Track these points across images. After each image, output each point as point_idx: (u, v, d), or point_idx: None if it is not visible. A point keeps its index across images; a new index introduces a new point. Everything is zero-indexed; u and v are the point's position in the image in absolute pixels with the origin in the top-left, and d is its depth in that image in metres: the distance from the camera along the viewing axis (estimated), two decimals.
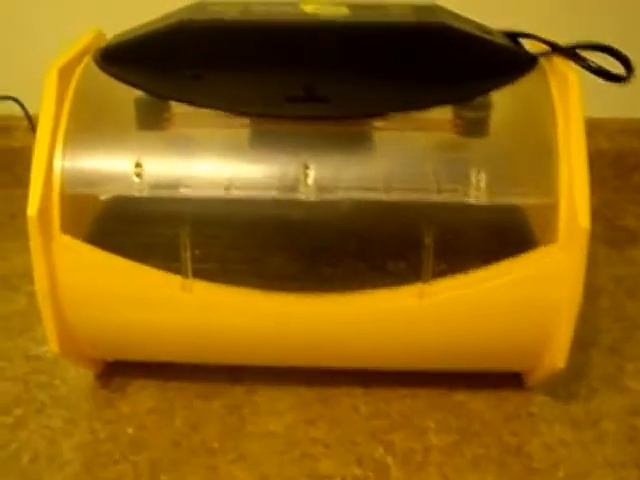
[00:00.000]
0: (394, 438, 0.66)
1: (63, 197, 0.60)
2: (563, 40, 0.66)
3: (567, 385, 0.71)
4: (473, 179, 0.60)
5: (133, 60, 0.63)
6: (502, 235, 0.66)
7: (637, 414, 0.68)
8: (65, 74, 0.63)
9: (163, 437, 0.66)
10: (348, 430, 0.66)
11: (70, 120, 0.61)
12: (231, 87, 0.62)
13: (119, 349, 0.67)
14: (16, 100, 0.94)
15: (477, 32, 0.64)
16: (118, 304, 0.62)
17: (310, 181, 0.60)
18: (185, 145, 0.63)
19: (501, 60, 0.63)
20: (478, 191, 0.60)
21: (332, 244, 0.66)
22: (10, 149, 1.04)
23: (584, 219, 0.57)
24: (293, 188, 0.60)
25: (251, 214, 0.63)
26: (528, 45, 0.68)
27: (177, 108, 0.64)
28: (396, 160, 0.62)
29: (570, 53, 0.63)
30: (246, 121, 0.63)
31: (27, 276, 0.64)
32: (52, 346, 0.64)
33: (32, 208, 0.59)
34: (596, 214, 0.58)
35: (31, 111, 0.94)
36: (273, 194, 0.60)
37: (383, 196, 0.60)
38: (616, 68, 0.64)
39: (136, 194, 0.60)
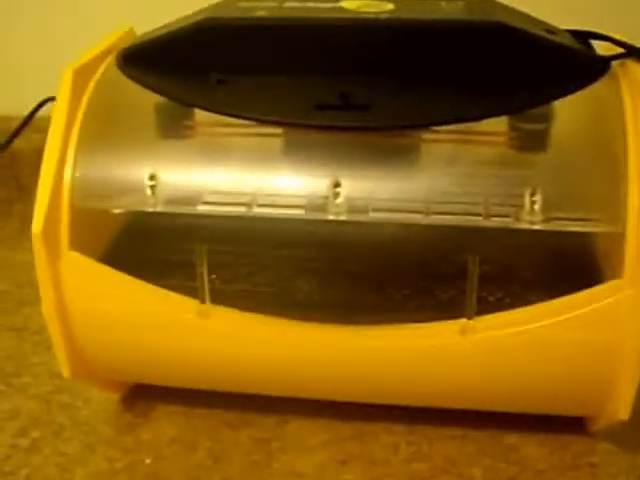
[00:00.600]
0: None
1: (73, 211, 0.55)
2: None
3: (637, 431, 0.62)
4: (527, 201, 0.52)
5: (154, 62, 0.58)
6: (561, 267, 0.58)
7: None
8: (82, 76, 0.58)
9: (182, 471, 0.61)
10: (384, 473, 0.60)
11: (84, 127, 0.56)
12: (258, 93, 0.56)
13: (134, 373, 0.63)
14: None
15: (538, 32, 0.56)
16: (130, 328, 0.57)
17: (340, 200, 0.53)
18: (206, 156, 0.57)
19: (565, 64, 0.55)
20: (532, 215, 0.52)
21: (366, 270, 0.59)
22: None
23: None
24: (322, 207, 0.54)
25: (277, 234, 0.57)
26: (599, 47, 0.59)
27: (199, 115, 0.58)
28: (439, 179, 0.55)
29: None
30: (274, 130, 0.56)
31: None
32: (63, 369, 0.59)
33: (37, 224, 0.54)
34: None
35: None
36: (299, 213, 0.54)
37: (422, 219, 0.53)
38: None
39: (149, 209, 0.55)
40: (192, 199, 0.55)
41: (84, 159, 0.56)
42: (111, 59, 0.60)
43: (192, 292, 0.57)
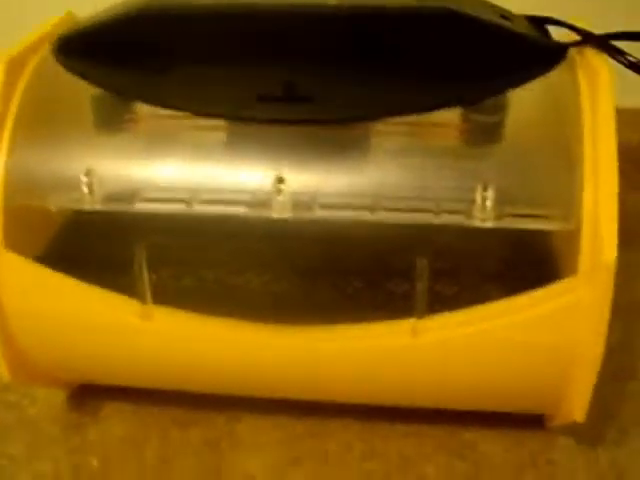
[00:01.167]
0: None
1: (6, 209, 0.53)
2: (602, 27, 0.55)
3: (595, 426, 0.61)
4: (479, 197, 0.50)
5: (91, 51, 0.55)
6: (514, 264, 0.56)
7: None
8: (16, 66, 0.55)
9: (129, 472, 0.59)
10: (338, 473, 0.58)
11: (17, 120, 0.54)
12: (199, 84, 0.53)
13: (77, 374, 0.61)
14: None
15: (492, 18, 0.53)
16: (70, 329, 0.55)
17: (284, 197, 0.51)
18: (144, 151, 0.54)
19: (520, 52, 0.53)
20: (483, 212, 0.50)
21: (312, 268, 0.57)
22: None
23: (610, 250, 0.47)
24: (265, 204, 0.51)
25: (220, 231, 0.55)
26: (556, 34, 0.56)
27: (138, 108, 0.55)
28: (388, 173, 0.52)
29: (604, 43, 0.52)
30: (216, 123, 0.54)
31: None
32: (3, 373, 0.57)
33: None
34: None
35: None
36: (241, 210, 0.51)
37: (371, 216, 0.50)
38: None
39: (85, 207, 0.52)
40: (130, 196, 0.53)
41: (17, 155, 0.53)
42: (47, 48, 0.57)
43: (135, 291, 0.54)
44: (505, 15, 0.55)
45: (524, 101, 0.53)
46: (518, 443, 0.60)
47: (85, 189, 0.52)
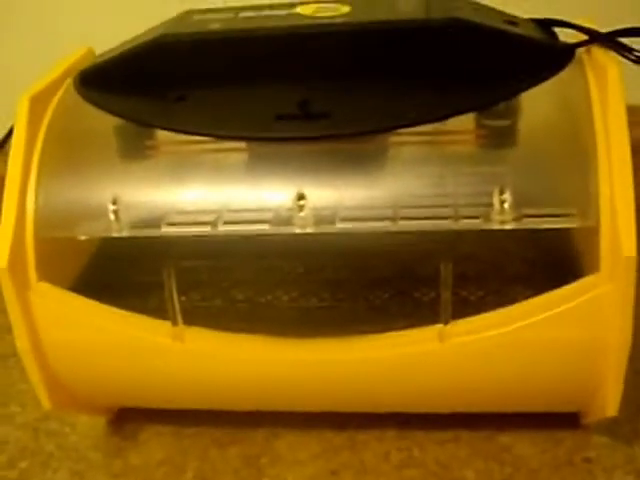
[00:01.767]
0: None
1: (38, 241, 0.55)
2: (608, 25, 0.55)
3: (631, 423, 0.61)
4: (496, 200, 0.51)
5: (112, 83, 0.57)
6: (536, 265, 0.56)
7: None
8: (40, 102, 0.57)
9: None
10: None
11: (43, 155, 0.56)
12: (218, 107, 0.55)
13: (115, 399, 0.62)
14: None
15: (499, 24, 0.54)
16: (106, 355, 0.56)
17: (306, 212, 0.52)
18: (168, 176, 0.56)
19: (528, 56, 0.54)
20: (502, 214, 0.51)
21: (337, 281, 0.58)
22: None
23: (629, 246, 0.48)
24: (287, 220, 0.52)
25: (248, 247, 0.56)
26: (563, 35, 0.57)
27: (160, 134, 0.57)
28: (406, 183, 0.54)
29: (611, 41, 0.53)
30: (236, 145, 0.55)
31: None
32: (43, 402, 0.58)
33: (2, 259, 0.53)
34: None
35: None
36: (265, 228, 0.52)
37: (391, 227, 0.51)
38: None
39: (114, 234, 0.54)
40: (156, 221, 0.54)
41: (46, 188, 0.55)
42: (69, 82, 0.59)
43: (166, 314, 0.55)
44: (512, 20, 0.55)
45: (536, 103, 0.54)
46: (554, 443, 0.60)
47: (112, 217, 0.54)
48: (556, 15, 0.58)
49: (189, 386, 0.57)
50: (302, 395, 0.57)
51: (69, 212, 0.55)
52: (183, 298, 0.54)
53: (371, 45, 0.54)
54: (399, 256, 0.59)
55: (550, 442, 0.61)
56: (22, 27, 0.99)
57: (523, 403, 0.57)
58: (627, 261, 0.48)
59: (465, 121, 0.54)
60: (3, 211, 0.54)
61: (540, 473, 0.58)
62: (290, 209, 0.52)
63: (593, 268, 0.51)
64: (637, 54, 0.53)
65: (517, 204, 0.51)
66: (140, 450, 0.64)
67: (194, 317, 0.56)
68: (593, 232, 0.50)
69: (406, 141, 0.55)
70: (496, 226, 0.51)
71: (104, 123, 0.57)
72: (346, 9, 0.56)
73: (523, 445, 0.61)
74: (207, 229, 0.53)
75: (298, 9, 0.57)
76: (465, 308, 0.54)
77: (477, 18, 0.54)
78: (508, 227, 0.51)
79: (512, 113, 0.54)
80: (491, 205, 0.51)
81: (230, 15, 0.57)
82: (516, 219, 0.51)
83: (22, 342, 0.55)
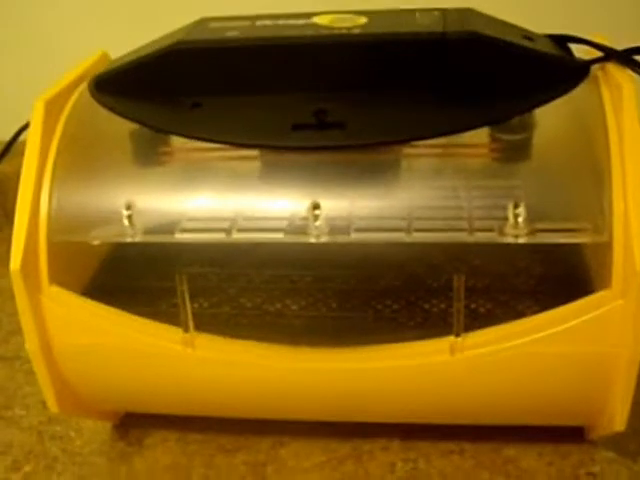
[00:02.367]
0: None
1: (51, 245, 0.55)
2: (624, 43, 0.56)
3: (637, 438, 0.61)
4: (511, 214, 0.51)
5: (127, 88, 0.57)
6: (552, 275, 0.57)
7: None
8: (55, 106, 0.57)
9: None
10: None
11: (58, 159, 0.56)
12: (234, 115, 0.55)
13: (123, 403, 0.62)
14: None
15: (515, 40, 0.54)
16: (116, 359, 0.56)
17: (320, 222, 0.52)
18: (182, 183, 0.56)
19: (544, 71, 0.54)
20: (516, 228, 0.51)
21: (350, 291, 0.58)
22: None
23: None
24: (302, 229, 0.53)
25: (260, 256, 0.56)
26: (578, 51, 0.58)
27: (175, 141, 0.57)
28: (421, 194, 0.54)
29: (626, 59, 0.53)
30: (251, 153, 0.55)
31: None
32: (50, 405, 0.58)
33: (15, 261, 0.53)
34: None
35: None
36: (280, 237, 0.53)
37: (405, 238, 0.52)
38: None
39: (127, 240, 0.54)
40: (170, 227, 0.54)
41: (59, 192, 0.55)
42: (84, 87, 0.59)
43: (177, 319, 0.55)
44: (528, 35, 0.56)
45: (550, 119, 0.54)
46: (559, 457, 0.61)
47: (126, 222, 0.54)
48: (572, 32, 0.58)
49: (198, 393, 0.57)
50: (310, 404, 0.57)
51: (82, 216, 0.55)
52: (195, 305, 0.54)
53: (387, 57, 0.54)
54: (409, 267, 0.59)
55: (555, 455, 0.61)
56: (37, 32, 0.99)
57: (531, 416, 0.57)
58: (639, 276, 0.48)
59: (480, 135, 0.55)
60: (17, 214, 0.55)
61: None
62: (304, 218, 0.53)
63: (604, 283, 0.51)
64: None
65: (531, 218, 0.51)
66: (145, 456, 0.64)
67: (204, 324, 0.56)
68: (605, 247, 0.50)
69: (421, 153, 0.55)
70: (510, 240, 0.51)
71: (119, 128, 0.57)
72: (363, 20, 0.56)
73: (528, 458, 0.61)
74: (221, 236, 0.53)
75: (315, 19, 0.57)
76: (474, 321, 0.54)
77: (494, 33, 0.54)
78: (522, 241, 0.51)
79: (527, 128, 0.54)
80: (505, 219, 0.51)
81: (247, 23, 0.57)
82: (530, 233, 0.51)
83: (32, 345, 0.55)
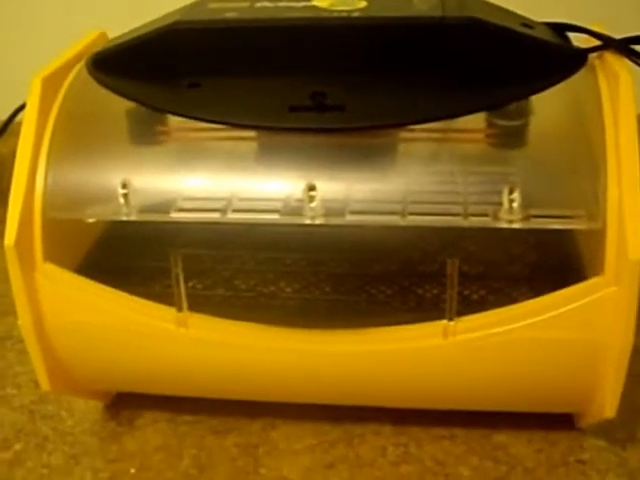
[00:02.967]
0: None
1: (46, 222, 0.54)
2: (623, 32, 0.56)
3: (625, 427, 0.61)
4: (506, 199, 0.51)
5: (125, 67, 0.57)
6: (544, 262, 0.57)
7: None
8: (52, 83, 0.57)
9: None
10: (372, 476, 0.59)
11: (54, 136, 0.56)
12: (231, 96, 0.55)
13: (115, 383, 0.62)
14: None
15: (514, 26, 0.55)
16: (108, 338, 0.56)
17: (316, 203, 0.52)
18: (179, 162, 0.56)
19: (542, 58, 0.54)
20: (511, 213, 0.51)
21: (346, 272, 0.58)
22: None
23: (635, 249, 0.48)
24: (297, 211, 0.53)
25: (255, 237, 0.56)
26: (576, 40, 0.58)
27: (172, 120, 0.57)
28: (416, 178, 0.54)
29: (624, 48, 0.54)
30: (248, 134, 0.55)
31: None
32: (42, 383, 0.58)
33: (10, 237, 0.53)
34: None
35: None
36: (275, 217, 0.53)
37: (400, 221, 0.52)
38: None
39: (122, 218, 0.54)
40: (166, 206, 0.54)
41: (56, 169, 0.55)
42: (81, 65, 0.59)
43: (170, 299, 0.55)
44: (527, 23, 0.56)
45: (547, 106, 0.54)
46: (549, 444, 0.61)
47: (122, 200, 0.54)
48: (569, 20, 0.59)
49: (191, 373, 0.57)
50: (303, 386, 0.58)
51: (78, 194, 0.55)
52: (189, 286, 0.54)
53: (386, 41, 0.54)
54: (403, 253, 0.60)
55: (545, 442, 0.61)
56: (33, 12, 0.99)
57: (522, 402, 0.58)
58: (633, 264, 0.48)
59: (477, 120, 0.55)
60: (12, 191, 0.54)
61: (535, 472, 0.59)
62: (300, 200, 0.53)
63: (597, 270, 0.51)
64: None
65: (526, 204, 0.51)
66: (136, 436, 0.64)
67: (197, 305, 0.56)
68: (599, 234, 0.51)
69: (418, 137, 0.55)
70: (504, 225, 0.51)
71: (116, 106, 0.57)
72: (363, 4, 0.56)
73: (518, 444, 0.61)
74: (216, 216, 0.53)
75: (315, 2, 0.57)
76: (467, 307, 0.54)
77: (493, 19, 0.54)
78: (516, 226, 0.51)
79: (524, 114, 0.54)
80: (500, 204, 0.52)
81: (246, 4, 0.57)
82: (524, 219, 0.51)
83: (25, 322, 0.55)
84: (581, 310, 0.51)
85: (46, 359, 0.57)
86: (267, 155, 0.56)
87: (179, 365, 0.57)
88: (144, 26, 0.59)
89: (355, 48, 0.54)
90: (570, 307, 0.51)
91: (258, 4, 0.57)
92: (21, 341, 0.71)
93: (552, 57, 0.55)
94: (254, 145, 0.57)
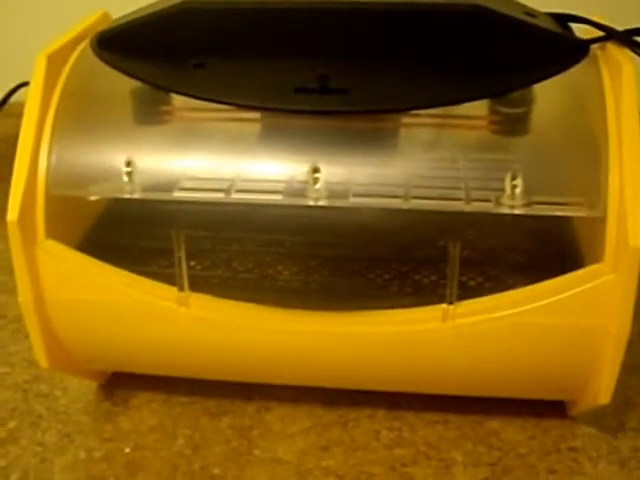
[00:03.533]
0: (416, 472, 0.59)
1: (48, 198, 0.54)
2: (623, 24, 0.57)
3: (617, 415, 0.62)
4: (508, 185, 0.52)
5: (130, 46, 0.57)
6: (542, 251, 0.57)
7: None
8: (56, 61, 0.57)
9: (161, 459, 0.60)
10: (366, 459, 0.60)
11: (58, 113, 0.56)
12: (236, 77, 0.55)
13: (113, 362, 0.62)
14: None
15: (518, 15, 0.55)
16: (108, 316, 0.56)
17: (320, 185, 0.53)
18: (183, 142, 0.56)
19: (545, 48, 0.55)
20: (513, 199, 0.52)
21: (347, 255, 0.58)
22: None
23: (635, 237, 0.49)
24: (301, 192, 0.53)
25: (257, 219, 0.56)
26: (579, 30, 0.58)
27: (176, 100, 0.57)
28: (420, 163, 0.54)
29: (626, 39, 0.54)
30: (252, 115, 0.56)
31: None
32: (40, 360, 0.58)
33: (12, 213, 0.53)
34: None
35: None
36: (278, 198, 0.53)
37: (402, 204, 0.52)
38: None
39: (126, 196, 0.54)
40: (169, 185, 0.54)
41: (59, 146, 0.55)
42: (86, 44, 0.59)
43: (171, 279, 0.56)
44: (530, 12, 0.57)
45: (550, 94, 0.55)
46: (541, 431, 0.62)
47: (125, 178, 0.54)
48: (572, 11, 0.59)
49: (190, 353, 0.58)
50: (300, 367, 0.58)
51: (81, 171, 0.56)
52: (192, 262, 0.54)
53: (392, 26, 0.55)
54: (403, 239, 0.60)
55: (537, 429, 0.62)
56: None
57: (519, 388, 0.58)
58: (633, 251, 0.49)
59: (480, 107, 0.55)
60: (15, 167, 0.54)
61: (527, 458, 0.59)
62: (304, 181, 0.53)
63: (596, 258, 0.52)
64: None
65: (527, 191, 0.52)
66: (130, 416, 0.64)
67: (198, 285, 0.56)
68: (599, 222, 0.51)
69: (421, 123, 0.56)
70: (506, 210, 0.52)
71: (120, 85, 0.57)
72: None
73: (511, 431, 0.62)
74: (220, 196, 0.53)
75: None
76: (465, 293, 0.55)
77: (497, 7, 0.54)
78: (518, 212, 0.52)
79: (526, 102, 0.55)
80: (502, 190, 0.52)
81: None
82: (526, 205, 0.52)
83: (25, 297, 0.55)
84: (580, 296, 0.51)
85: (45, 336, 0.57)
86: (271, 136, 0.56)
87: (178, 344, 0.57)
88: (150, 6, 0.59)
89: (361, 32, 0.55)
90: (569, 294, 0.52)
91: None
92: (15, 321, 0.72)
93: (555, 46, 0.55)
94: (258, 126, 0.57)
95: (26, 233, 0.54)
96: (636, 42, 0.54)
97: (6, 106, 0.70)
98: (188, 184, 0.55)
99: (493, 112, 0.55)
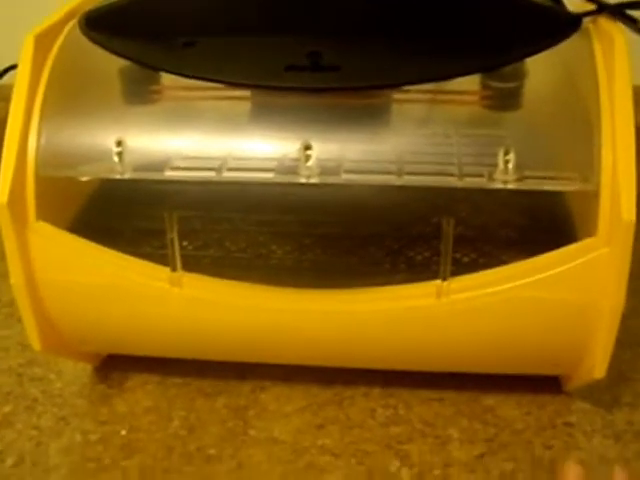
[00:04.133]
0: (412, 449, 0.59)
1: (39, 180, 0.54)
2: None
3: (611, 390, 0.62)
4: (501, 160, 0.52)
5: (119, 25, 0.56)
6: (535, 226, 0.57)
7: None
8: (45, 41, 0.56)
9: (157, 441, 0.60)
10: (361, 437, 0.60)
11: (47, 94, 0.55)
12: (226, 55, 0.54)
13: (107, 344, 0.62)
14: None
15: None
16: (101, 297, 0.56)
17: (312, 162, 0.52)
18: (173, 121, 0.56)
19: (537, 21, 0.54)
20: (506, 174, 0.52)
21: (339, 233, 0.58)
22: None
23: (628, 210, 0.49)
24: (293, 170, 0.53)
25: (249, 198, 0.56)
26: (571, 4, 0.58)
27: (166, 79, 0.56)
28: (412, 139, 0.54)
29: (618, 13, 0.54)
30: (243, 93, 0.55)
31: None
32: (33, 343, 0.58)
33: (2, 195, 0.53)
34: None
35: None
36: (270, 176, 0.53)
37: (395, 180, 0.52)
38: None
39: (116, 176, 0.53)
40: (160, 165, 0.54)
41: (48, 127, 0.55)
42: (74, 24, 0.59)
43: (164, 259, 0.55)
44: None
45: (542, 69, 0.55)
46: (537, 406, 0.62)
47: (116, 159, 0.54)
48: None
49: (183, 333, 0.57)
50: (294, 346, 0.58)
51: (71, 152, 0.55)
52: (185, 242, 0.54)
53: (382, 3, 0.54)
54: (394, 215, 0.60)
55: (533, 405, 0.62)
56: None
57: (514, 364, 0.58)
58: (626, 225, 0.49)
59: (472, 82, 0.55)
60: (5, 148, 0.54)
61: (523, 434, 0.59)
62: (296, 159, 0.53)
63: (589, 232, 0.51)
64: None
65: (520, 165, 0.52)
66: (126, 398, 0.64)
67: (190, 265, 0.56)
68: (592, 196, 0.51)
69: (413, 99, 0.55)
70: (499, 185, 0.52)
71: (109, 65, 0.57)
72: None
73: (507, 407, 0.62)
74: (212, 175, 0.53)
75: None
76: (459, 269, 0.55)
77: None
78: (511, 187, 0.52)
79: (518, 77, 0.54)
80: (495, 165, 0.52)
81: None
82: (519, 180, 0.52)
83: (17, 280, 0.55)
84: (574, 270, 0.51)
85: (37, 318, 0.57)
86: (262, 114, 0.56)
87: (172, 325, 0.57)
88: None
89: (351, 9, 0.54)
90: (563, 268, 0.52)
91: None
92: (7, 305, 0.72)
93: (547, 20, 0.55)
94: (249, 104, 0.56)
95: (16, 215, 0.53)
96: (628, 15, 0.54)
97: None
98: (179, 163, 0.54)
99: (485, 87, 0.55)
